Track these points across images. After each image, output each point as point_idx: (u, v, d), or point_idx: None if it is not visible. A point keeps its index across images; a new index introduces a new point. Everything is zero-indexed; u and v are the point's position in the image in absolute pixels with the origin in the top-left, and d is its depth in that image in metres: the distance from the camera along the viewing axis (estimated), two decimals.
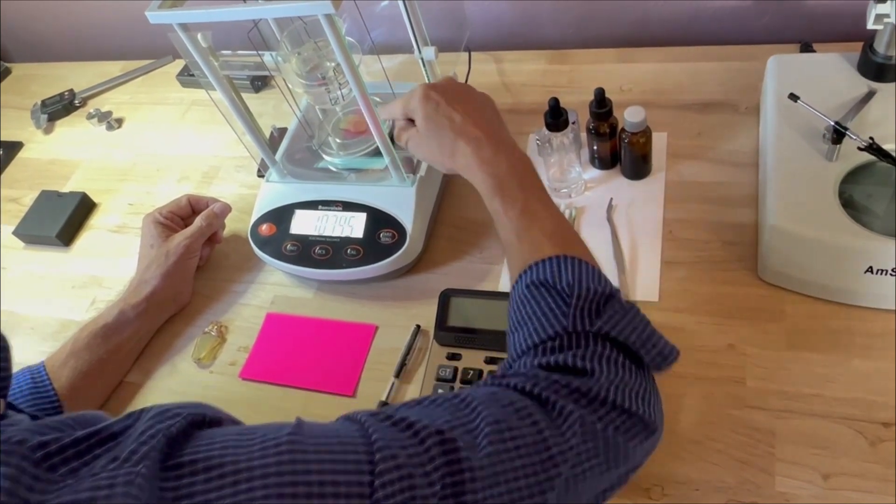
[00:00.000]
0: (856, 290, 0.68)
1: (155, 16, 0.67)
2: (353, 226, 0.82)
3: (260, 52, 0.78)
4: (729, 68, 0.93)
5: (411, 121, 0.69)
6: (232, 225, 0.95)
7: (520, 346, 0.52)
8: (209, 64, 0.73)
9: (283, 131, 0.93)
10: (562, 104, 0.77)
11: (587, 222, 0.83)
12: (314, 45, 0.79)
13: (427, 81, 0.88)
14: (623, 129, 0.80)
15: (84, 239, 1.01)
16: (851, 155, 0.70)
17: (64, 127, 1.20)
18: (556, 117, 0.77)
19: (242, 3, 0.71)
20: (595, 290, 0.51)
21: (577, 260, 0.53)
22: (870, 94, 0.74)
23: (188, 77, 1.16)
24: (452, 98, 0.66)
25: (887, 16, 0.66)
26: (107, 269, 0.96)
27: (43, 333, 0.91)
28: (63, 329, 0.91)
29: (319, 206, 0.84)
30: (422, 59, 0.83)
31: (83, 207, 1.03)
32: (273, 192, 0.87)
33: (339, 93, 0.80)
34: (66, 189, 1.07)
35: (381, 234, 0.80)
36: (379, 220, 0.81)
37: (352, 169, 0.86)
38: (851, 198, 0.69)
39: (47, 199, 1.05)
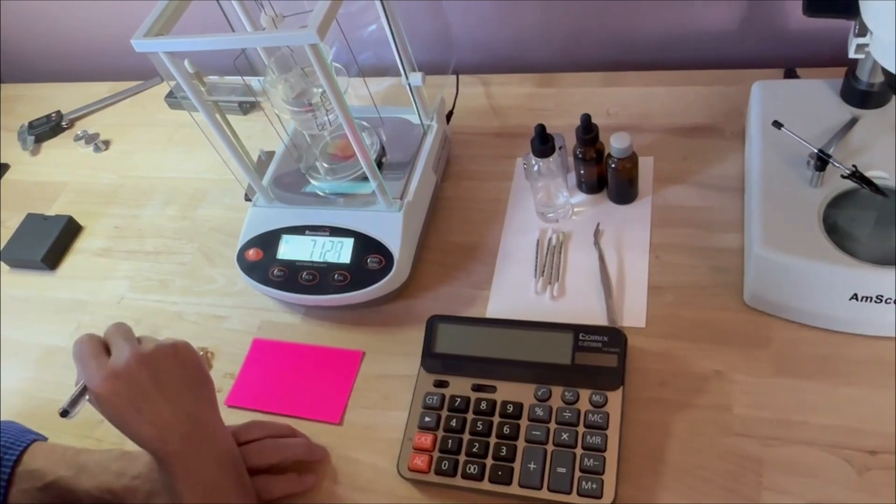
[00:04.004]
0: (841, 316, 0.68)
1: (140, 44, 0.67)
2: (341, 251, 0.81)
3: (246, 78, 0.78)
4: (714, 92, 0.94)
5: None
6: (219, 249, 0.95)
7: None
8: (195, 89, 0.73)
9: (270, 154, 0.93)
10: (549, 127, 0.77)
11: (574, 247, 0.83)
12: (301, 71, 0.79)
13: (417, 111, 0.87)
14: (609, 155, 0.80)
15: (69, 262, 1.01)
16: (835, 181, 0.70)
17: (51, 149, 1.19)
18: (543, 143, 0.77)
19: (229, 32, 0.71)
20: None
21: None
22: (853, 121, 0.74)
23: (176, 99, 1.16)
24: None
25: (867, 45, 0.66)
26: (91, 293, 0.95)
27: (26, 359, 0.90)
28: (47, 354, 0.90)
29: (307, 232, 0.83)
30: (409, 84, 0.84)
31: (69, 231, 1.03)
32: (260, 217, 0.86)
33: (325, 118, 0.80)
34: (52, 212, 1.06)
35: (369, 260, 0.80)
36: (366, 245, 0.81)
37: (339, 193, 0.86)
38: (836, 224, 0.69)
39: (33, 222, 1.04)
